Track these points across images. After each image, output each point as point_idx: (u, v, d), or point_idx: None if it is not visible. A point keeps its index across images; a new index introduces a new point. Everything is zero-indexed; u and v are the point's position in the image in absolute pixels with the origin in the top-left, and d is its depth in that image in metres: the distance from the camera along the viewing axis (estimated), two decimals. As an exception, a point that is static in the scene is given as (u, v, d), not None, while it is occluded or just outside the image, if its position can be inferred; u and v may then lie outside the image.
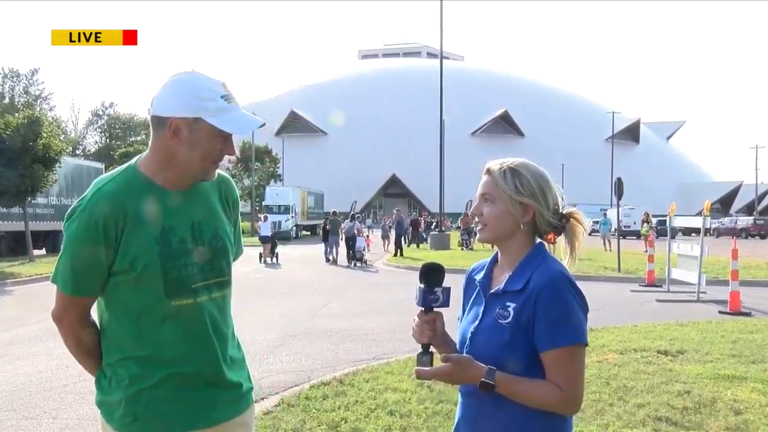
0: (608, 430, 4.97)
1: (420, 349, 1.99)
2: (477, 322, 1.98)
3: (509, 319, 1.90)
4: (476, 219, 2.03)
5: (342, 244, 25.58)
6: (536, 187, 1.97)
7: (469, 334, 1.99)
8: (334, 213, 27.71)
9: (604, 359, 7.13)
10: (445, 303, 1.98)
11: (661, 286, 15.69)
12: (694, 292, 13.61)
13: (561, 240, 2.04)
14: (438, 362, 1.96)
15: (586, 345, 1.92)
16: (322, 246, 26.47)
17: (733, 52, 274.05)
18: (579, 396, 1.90)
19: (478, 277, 2.07)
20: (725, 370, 6.64)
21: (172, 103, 1.98)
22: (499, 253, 2.06)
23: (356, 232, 24.56)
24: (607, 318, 10.80)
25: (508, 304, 1.92)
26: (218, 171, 2.20)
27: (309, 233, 51.80)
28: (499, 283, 1.99)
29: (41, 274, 19.10)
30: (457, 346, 2.05)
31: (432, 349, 2.00)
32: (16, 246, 26.45)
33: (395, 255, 27.16)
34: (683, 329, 9.26)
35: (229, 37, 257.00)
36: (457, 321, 2.14)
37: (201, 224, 2.11)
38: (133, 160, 2.13)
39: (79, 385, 6.94)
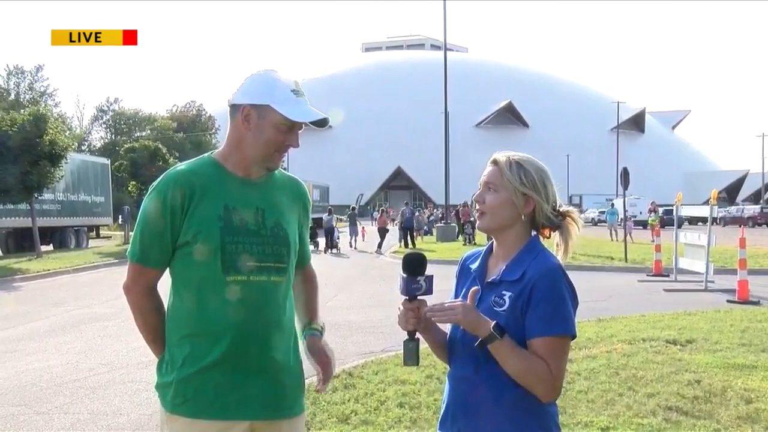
0: (619, 419, 4.96)
1: (406, 336, 2.08)
2: None
3: (505, 307, 1.98)
4: (477, 206, 2.10)
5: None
6: (539, 181, 2.06)
7: None
8: None
9: (613, 349, 7.12)
10: (429, 291, 2.06)
11: (668, 276, 15.65)
12: (702, 282, 13.57)
13: (555, 236, 2.13)
14: (424, 350, 2.10)
15: (575, 337, 1.99)
16: (324, 239, 27.98)
17: (738, 41, 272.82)
18: (561, 383, 1.99)
19: (474, 266, 2.15)
20: (735, 359, 6.61)
21: (246, 93, 2.20)
22: (494, 243, 2.14)
23: (333, 224, 27.80)
24: (614, 308, 10.79)
25: (504, 292, 2.00)
26: (292, 175, 2.42)
27: (314, 225, 51.90)
28: (495, 272, 2.07)
29: (49, 270, 19.21)
30: (450, 332, 2.13)
31: (418, 335, 2.09)
32: (23, 242, 26.56)
33: (405, 247, 27.32)
34: (692, 318, 9.24)
35: (231, 32, 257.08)
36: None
37: (265, 211, 2.23)
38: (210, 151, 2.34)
39: (90, 380, 6.98)
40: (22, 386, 6.78)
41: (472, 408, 2.00)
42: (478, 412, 1.99)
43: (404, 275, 2.05)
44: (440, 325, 2.17)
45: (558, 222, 2.10)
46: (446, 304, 1.98)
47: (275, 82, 2.19)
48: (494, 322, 1.91)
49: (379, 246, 26.91)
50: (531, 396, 1.95)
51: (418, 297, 2.06)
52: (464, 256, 2.26)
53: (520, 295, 1.96)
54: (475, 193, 2.11)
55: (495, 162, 2.09)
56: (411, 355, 2.07)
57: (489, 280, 2.07)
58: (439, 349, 2.17)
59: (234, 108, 2.21)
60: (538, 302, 1.94)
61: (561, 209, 2.11)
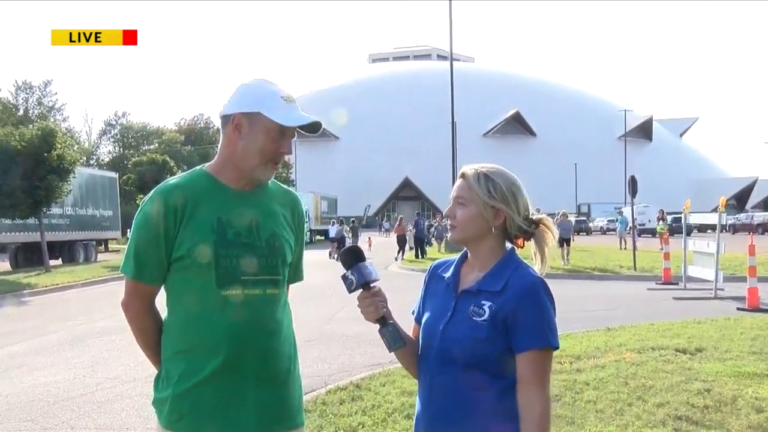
0: (628, 429, 4.93)
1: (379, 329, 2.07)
2: (447, 318, 2.04)
3: (485, 317, 1.97)
4: (449, 221, 2.10)
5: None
6: (508, 193, 2.04)
7: (440, 328, 2.04)
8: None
9: (622, 358, 7.07)
10: (376, 274, 2.06)
11: (677, 284, 15.60)
12: (712, 289, 13.51)
13: (531, 245, 2.13)
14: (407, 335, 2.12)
15: (557, 348, 2.02)
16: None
17: (747, 47, 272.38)
18: (549, 391, 2.01)
19: (446, 274, 2.13)
20: (746, 368, 6.56)
21: (237, 102, 2.20)
22: (468, 253, 2.13)
23: (345, 234, 29.65)
24: (623, 316, 10.73)
25: (483, 302, 1.99)
26: (287, 187, 2.41)
27: (323, 238, 52.04)
28: (470, 281, 2.07)
29: (57, 285, 19.27)
30: (422, 341, 2.11)
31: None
32: (32, 256, 26.70)
33: (416, 257, 27.71)
34: (701, 327, 9.18)
35: (239, 45, 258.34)
36: (410, 314, 2.23)
37: (259, 223, 2.21)
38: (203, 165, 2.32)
39: (97, 394, 6.98)
40: (30, 401, 6.78)
41: (451, 418, 1.99)
42: (457, 423, 1.99)
43: (353, 268, 2.03)
44: (410, 334, 2.17)
45: (531, 231, 2.09)
46: None
47: (265, 90, 2.19)
48: None
49: (398, 254, 27.32)
50: (508, 403, 1.95)
51: (371, 284, 2.05)
52: (434, 265, 2.25)
53: (502, 307, 1.96)
54: (448, 208, 2.11)
55: (463, 175, 2.09)
56: (395, 337, 2.05)
57: (465, 288, 2.05)
58: (409, 358, 2.14)
59: (225, 118, 2.20)
60: (524, 317, 1.94)
61: (533, 217, 2.10)
